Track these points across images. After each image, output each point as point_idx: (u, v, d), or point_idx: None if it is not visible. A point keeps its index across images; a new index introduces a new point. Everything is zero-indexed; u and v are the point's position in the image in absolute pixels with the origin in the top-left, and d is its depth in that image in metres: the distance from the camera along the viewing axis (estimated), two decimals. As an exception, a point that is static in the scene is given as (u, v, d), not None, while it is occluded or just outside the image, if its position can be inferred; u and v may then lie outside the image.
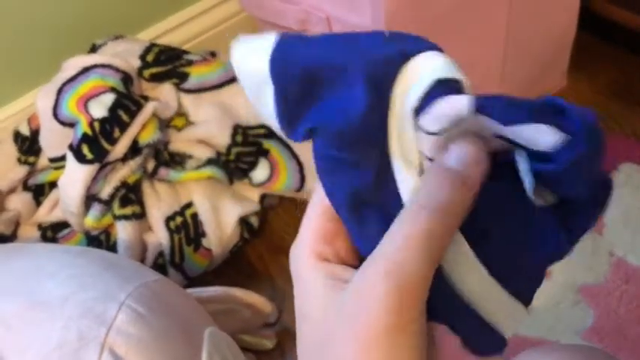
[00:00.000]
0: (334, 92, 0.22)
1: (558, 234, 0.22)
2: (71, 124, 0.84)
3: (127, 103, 0.83)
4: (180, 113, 0.92)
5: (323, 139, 0.22)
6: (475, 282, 0.21)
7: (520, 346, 0.78)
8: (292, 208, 0.98)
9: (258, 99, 0.23)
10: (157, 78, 0.92)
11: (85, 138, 0.81)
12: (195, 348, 0.55)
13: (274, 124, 0.23)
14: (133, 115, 0.83)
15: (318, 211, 0.24)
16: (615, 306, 0.80)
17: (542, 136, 0.20)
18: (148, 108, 0.84)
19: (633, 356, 0.76)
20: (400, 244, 0.20)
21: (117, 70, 0.86)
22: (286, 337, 0.85)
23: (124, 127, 0.82)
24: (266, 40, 0.22)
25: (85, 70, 0.86)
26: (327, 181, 0.22)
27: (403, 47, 0.22)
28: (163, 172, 0.88)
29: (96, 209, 0.84)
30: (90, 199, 0.84)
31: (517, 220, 0.22)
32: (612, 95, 1.06)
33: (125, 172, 0.84)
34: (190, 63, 0.94)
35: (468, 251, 0.21)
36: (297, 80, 0.22)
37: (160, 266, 0.86)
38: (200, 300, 0.68)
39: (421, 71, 0.21)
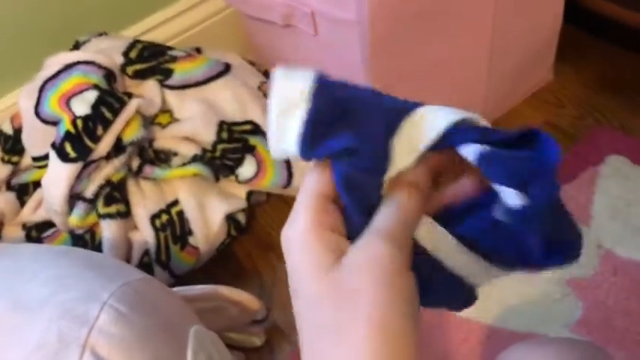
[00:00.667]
0: (362, 123, 0.28)
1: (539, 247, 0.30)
2: (54, 123, 0.83)
3: (110, 101, 0.82)
4: (165, 110, 0.91)
5: (353, 158, 0.27)
6: (454, 256, 0.30)
7: (509, 339, 0.78)
8: (280, 205, 0.98)
9: (283, 119, 0.27)
10: (140, 75, 0.91)
11: (67, 136, 0.80)
12: (180, 347, 0.55)
13: (290, 143, 0.27)
14: (116, 113, 0.82)
15: (315, 193, 0.28)
16: (604, 298, 0.80)
17: (512, 199, 0.26)
18: (132, 105, 0.83)
19: (622, 348, 0.76)
20: (389, 224, 0.28)
21: (100, 66, 0.85)
22: (275, 333, 0.84)
23: (107, 124, 0.81)
24: (307, 72, 0.28)
25: (68, 67, 0.84)
26: (346, 187, 0.28)
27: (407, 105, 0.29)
28: (148, 169, 0.87)
29: (80, 208, 0.83)
30: (74, 197, 0.83)
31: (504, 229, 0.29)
32: (600, 88, 1.06)
33: (109, 170, 0.83)
34: (174, 59, 0.93)
35: (447, 235, 0.30)
36: (333, 107, 0.27)
37: (146, 265, 0.85)
38: (187, 298, 0.67)
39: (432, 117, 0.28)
